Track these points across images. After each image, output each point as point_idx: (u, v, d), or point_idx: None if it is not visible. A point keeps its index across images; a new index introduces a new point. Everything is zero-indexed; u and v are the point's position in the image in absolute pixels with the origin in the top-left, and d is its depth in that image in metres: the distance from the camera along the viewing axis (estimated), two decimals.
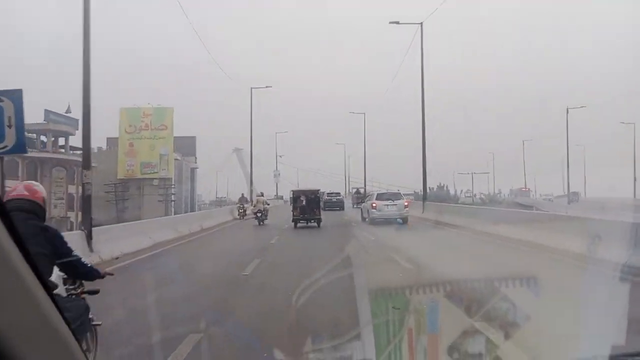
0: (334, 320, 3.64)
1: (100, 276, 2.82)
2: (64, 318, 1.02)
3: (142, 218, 36.77)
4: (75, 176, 44.52)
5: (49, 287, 0.98)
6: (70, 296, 2.80)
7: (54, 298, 0.97)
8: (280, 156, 66.12)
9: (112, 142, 51.53)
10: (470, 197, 59.24)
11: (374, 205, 18.35)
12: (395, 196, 19.10)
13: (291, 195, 21.29)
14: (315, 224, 18.05)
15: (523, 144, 60.15)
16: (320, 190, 20.72)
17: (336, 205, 27.02)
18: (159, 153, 49.70)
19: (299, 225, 17.81)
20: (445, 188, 67.48)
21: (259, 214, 20.07)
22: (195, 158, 60.00)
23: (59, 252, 2.52)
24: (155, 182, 49.17)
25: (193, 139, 61.54)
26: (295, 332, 2.36)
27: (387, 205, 18.23)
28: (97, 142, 55.24)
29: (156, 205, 46.57)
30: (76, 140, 46.61)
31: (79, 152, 46.62)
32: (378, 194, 19.97)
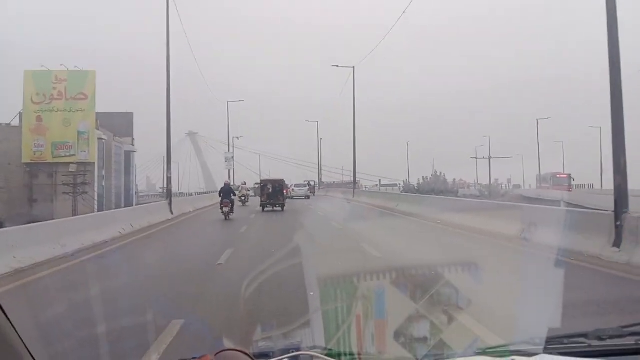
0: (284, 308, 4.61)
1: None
2: (7, 318, 1.33)
3: (55, 216, 35.72)
4: None
5: None
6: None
7: None
8: (238, 137, 66.25)
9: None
10: (464, 188, 60.69)
11: (292, 189, 43.47)
12: (304, 184, 45.54)
13: (259, 184, 32.44)
14: (280, 209, 27.74)
15: (537, 123, 62.31)
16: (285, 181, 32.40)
17: None
18: (77, 130, 47.70)
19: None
20: (442, 176, 68.98)
21: (242, 198, 32.47)
22: (133, 139, 58.45)
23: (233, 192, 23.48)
24: (72, 168, 47.37)
25: (129, 115, 59.55)
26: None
27: (300, 189, 45.51)
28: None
29: (73, 197, 45.37)
30: None
31: None
32: (295, 184, 46.86)
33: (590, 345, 1.90)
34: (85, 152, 47.92)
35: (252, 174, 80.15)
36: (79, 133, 48.41)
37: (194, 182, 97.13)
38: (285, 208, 28.03)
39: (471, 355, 1.86)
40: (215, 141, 73.95)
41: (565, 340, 1.94)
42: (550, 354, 1.83)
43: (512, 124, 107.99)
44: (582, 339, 1.92)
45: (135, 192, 62.55)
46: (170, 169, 27.26)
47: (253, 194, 38.76)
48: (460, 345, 1.95)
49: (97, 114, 50.31)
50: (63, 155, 47.65)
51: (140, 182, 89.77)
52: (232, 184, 34.55)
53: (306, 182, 53.10)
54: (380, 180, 66.70)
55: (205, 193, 60.55)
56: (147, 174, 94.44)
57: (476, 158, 67.17)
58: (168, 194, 25.98)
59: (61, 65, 49.74)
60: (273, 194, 28.27)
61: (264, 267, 2.87)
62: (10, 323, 1.31)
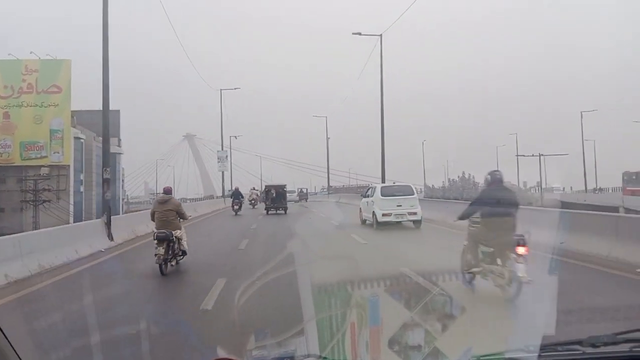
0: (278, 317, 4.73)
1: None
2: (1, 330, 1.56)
3: (25, 229, 35.34)
4: None
5: None
6: None
7: None
8: (236, 137, 67.55)
9: None
10: None
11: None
12: (293, 191, 59.29)
13: (264, 189, 38.56)
14: (283, 212, 33.34)
15: (581, 115, 62.25)
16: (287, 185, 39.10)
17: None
18: (49, 128, 47.56)
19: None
20: (472, 179, 69.30)
21: (252, 201, 41.69)
22: (119, 140, 58.48)
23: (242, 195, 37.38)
24: (44, 171, 47.06)
25: (115, 113, 59.55)
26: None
27: (289, 194, 45.06)
28: None
29: (45, 207, 44.98)
30: None
31: None
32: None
33: (584, 353, 2.19)
34: (58, 153, 47.06)
35: (252, 178, 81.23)
36: (52, 131, 47.45)
37: (192, 187, 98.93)
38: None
39: None
40: (216, 144, 74.91)
41: (560, 348, 2.23)
42: None
43: (536, 122, 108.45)
44: (576, 346, 2.21)
45: (124, 200, 62.47)
46: (107, 168, 19.13)
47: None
48: (454, 353, 2.24)
49: (78, 111, 49.74)
50: (33, 157, 46.90)
51: (137, 188, 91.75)
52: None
53: (299, 189, 69.18)
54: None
55: (201, 199, 60.62)
56: (145, 179, 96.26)
57: (523, 156, 66.18)
58: (105, 208, 18.09)
59: (31, 52, 49.46)
60: (277, 198, 34.47)
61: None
62: (4, 334, 1.58)
